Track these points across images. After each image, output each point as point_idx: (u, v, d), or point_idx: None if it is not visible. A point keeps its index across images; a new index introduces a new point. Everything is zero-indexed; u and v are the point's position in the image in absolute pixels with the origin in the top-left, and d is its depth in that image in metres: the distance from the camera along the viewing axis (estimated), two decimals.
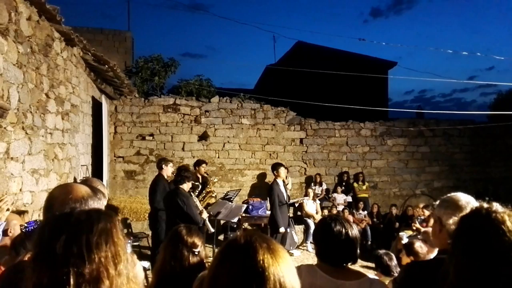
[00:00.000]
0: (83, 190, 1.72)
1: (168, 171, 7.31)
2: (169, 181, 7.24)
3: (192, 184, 6.65)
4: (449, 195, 2.15)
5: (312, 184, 11.49)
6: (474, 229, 1.34)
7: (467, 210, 1.92)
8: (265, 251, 1.16)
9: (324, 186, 11.55)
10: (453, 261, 1.35)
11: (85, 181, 2.98)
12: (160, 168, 7.27)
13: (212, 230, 6.79)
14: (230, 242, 1.24)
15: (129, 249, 1.98)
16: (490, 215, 1.32)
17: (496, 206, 1.36)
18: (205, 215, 6.48)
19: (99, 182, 2.68)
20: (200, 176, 9.03)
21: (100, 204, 1.74)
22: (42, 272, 0.97)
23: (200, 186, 7.57)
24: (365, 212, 10.56)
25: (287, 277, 1.14)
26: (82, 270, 0.97)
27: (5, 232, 3.30)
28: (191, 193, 6.53)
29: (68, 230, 1.02)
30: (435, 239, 2.17)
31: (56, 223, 1.06)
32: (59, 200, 1.57)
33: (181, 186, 6.12)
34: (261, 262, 1.13)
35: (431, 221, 6.14)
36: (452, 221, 1.97)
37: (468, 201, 2.04)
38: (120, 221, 1.15)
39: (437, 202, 2.18)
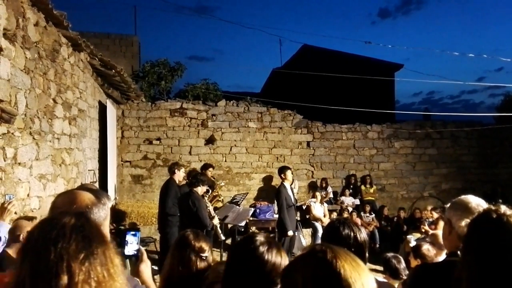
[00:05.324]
0: (87, 198, 1.69)
1: (180, 175, 7.35)
2: (180, 185, 7.30)
3: (206, 189, 6.73)
4: (459, 197, 2.14)
5: (318, 188, 11.40)
6: (486, 233, 1.33)
7: (478, 212, 1.91)
8: (348, 260, 1.20)
9: (330, 189, 11.50)
10: (465, 267, 1.33)
11: (80, 187, 2.94)
12: (172, 172, 7.27)
13: (223, 238, 6.79)
14: (313, 251, 1.24)
15: (136, 244, 1.97)
16: (502, 219, 1.30)
17: (505, 208, 1.35)
18: (216, 221, 6.50)
19: (95, 187, 2.64)
20: None
21: (105, 209, 1.71)
22: None
23: (209, 191, 7.63)
24: (373, 215, 10.51)
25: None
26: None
27: (17, 238, 3.27)
28: (204, 196, 6.60)
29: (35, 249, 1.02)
30: (445, 241, 2.16)
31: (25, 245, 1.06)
32: (63, 210, 1.54)
33: (195, 188, 6.19)
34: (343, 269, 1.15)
35: (440, 224, 6.10)
36: (463, 223, 1.96)
37: (478, 203, 2.04)
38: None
39: (448, 205, 2.17)
